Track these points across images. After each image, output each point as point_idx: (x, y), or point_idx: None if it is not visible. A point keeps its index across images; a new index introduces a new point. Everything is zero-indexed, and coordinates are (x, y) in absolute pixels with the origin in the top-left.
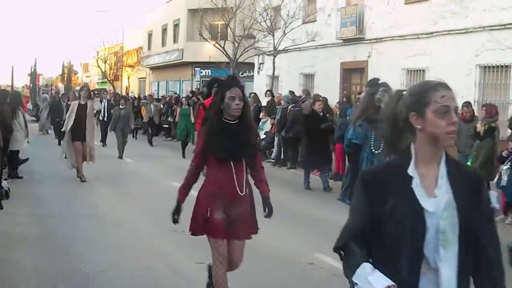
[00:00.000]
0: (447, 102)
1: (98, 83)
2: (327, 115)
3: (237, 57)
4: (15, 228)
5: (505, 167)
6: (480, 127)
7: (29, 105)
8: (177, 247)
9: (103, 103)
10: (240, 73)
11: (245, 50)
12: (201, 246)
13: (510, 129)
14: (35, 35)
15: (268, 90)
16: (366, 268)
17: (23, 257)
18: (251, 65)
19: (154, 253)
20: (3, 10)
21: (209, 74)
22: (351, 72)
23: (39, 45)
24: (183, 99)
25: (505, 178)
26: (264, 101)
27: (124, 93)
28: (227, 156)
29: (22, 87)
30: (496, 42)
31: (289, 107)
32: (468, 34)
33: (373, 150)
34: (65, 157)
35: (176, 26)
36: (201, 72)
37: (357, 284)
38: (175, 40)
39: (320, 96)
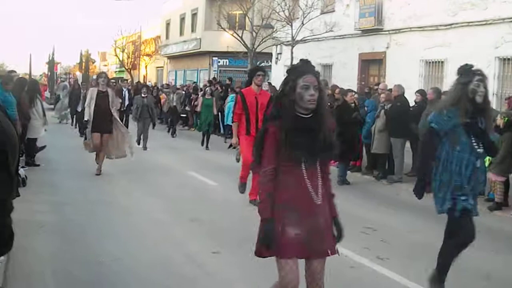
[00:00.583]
0: None
1: (115, 72)
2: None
3: (255, 47)
4: (32, 216)
5: None
6: (500, 120)
7: (47, 93)
8: (194, 236)
9: (123, 92)
10: (258, 63)
11: (263, 40)
12: (218, 236)
13: None
14: (53, 23)
15: (268, 82)
16: None
17: (39, 245)
18: (269, 55)
19: (170, 242)
20: None
21: (227, 64)
22: (369, 63)
23: (57, 33)
24: (207, 89)
25: None
26: None
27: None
28: (304, 157)
29: (40, 75)
30: None
31: None
32: (487, 26)
33: (477, 149)
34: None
35: (194, 15)
36: (219, 62)
37: None
38: (193, 29)
39: (338, 86)
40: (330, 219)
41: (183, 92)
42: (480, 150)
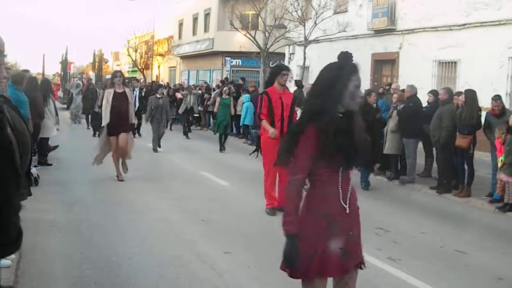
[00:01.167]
0: None
1: (128, 71)
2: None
3: (267, 47)
4: (44, 215)
5: None
6: None
7: (60, 93)
8: (205, 236)
9: (135, 91)
10: (271, 63)
11: (276, 40)
12: (229, 236)
13: None
14: (66, 23)
15: (295, 80)
16: None
17: (51, 244)
18: (282, 55)
19: (182, 242)
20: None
21: (240, 64)
22: (382, 63)
23: (71, 33)
24: (225, 88)
25: None
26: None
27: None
28: (345, 161)
29: (53, 74)
30: None
31: None
32: (501, 26)
33: None
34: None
35: (207, 15)
36: (232, 62)
37: None
38: (206, 29)
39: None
40: (359, 228)
41: (200, 92)
42: None
